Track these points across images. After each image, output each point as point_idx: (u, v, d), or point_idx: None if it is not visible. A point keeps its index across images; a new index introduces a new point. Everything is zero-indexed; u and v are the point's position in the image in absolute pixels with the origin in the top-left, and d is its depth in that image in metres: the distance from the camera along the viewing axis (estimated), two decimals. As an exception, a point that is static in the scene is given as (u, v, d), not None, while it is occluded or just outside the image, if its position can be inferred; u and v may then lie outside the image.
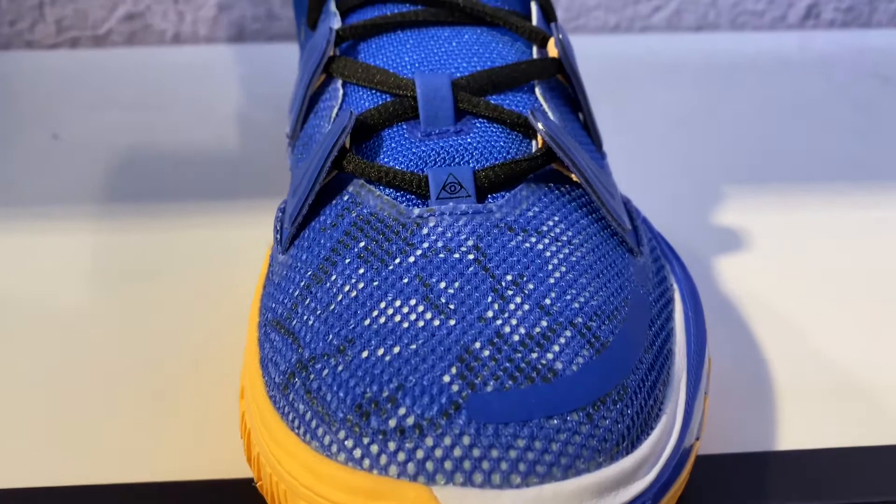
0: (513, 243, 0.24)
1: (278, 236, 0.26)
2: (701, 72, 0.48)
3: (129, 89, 0.45)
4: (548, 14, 0.30)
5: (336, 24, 0.29)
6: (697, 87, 0.46)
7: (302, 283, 0.24)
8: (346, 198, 0.25)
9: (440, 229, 0.24)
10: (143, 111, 0.43)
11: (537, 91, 0.27)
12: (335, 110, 0.27)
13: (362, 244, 0.24)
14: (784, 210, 0.38)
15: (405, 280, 0.23)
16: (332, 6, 0.30)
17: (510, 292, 0.22)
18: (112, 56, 0.48)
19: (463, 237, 0.24)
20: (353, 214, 0.25)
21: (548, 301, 0.22)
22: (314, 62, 0.28)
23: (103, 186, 0.38)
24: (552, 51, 0.28)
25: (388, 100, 0.26)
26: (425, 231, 0.24)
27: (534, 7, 0.30)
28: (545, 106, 0.27)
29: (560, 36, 0.28)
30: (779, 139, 0.43)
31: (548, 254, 0.24)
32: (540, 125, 0.25)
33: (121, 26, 0.49)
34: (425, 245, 0.23)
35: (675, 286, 0.27)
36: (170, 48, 0.49)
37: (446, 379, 0.21)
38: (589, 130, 0.29)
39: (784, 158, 0.41)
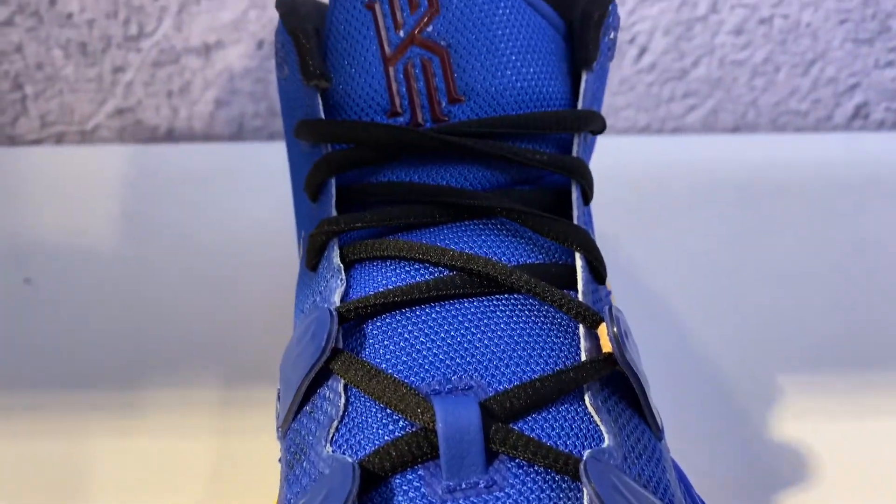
0: None
1: None
2: (738, 177, 0.44)
3: (117, 194, 0.42)
4: (597, 273, 0.25)
5: (337, 294, 0.24)
6: (733, 195, 0.43)
7: None
8: None
9: None
10: (131, 223, 0.40)
11: (587, 400, 0.22)
12: (335, 424, 0.22)
13: None
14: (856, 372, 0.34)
15: None
16: (336, 258, 0.25)
17: None
18: (100, 153, 0.45)
19: None
20: None
21: None
22: (313, 353, 0.23)
23: (84, 348, 0.33)
24: (604, 340, 0.23)
25: (402, 432, 0.22)
26: None
27: (579, 263, 0.25)
28: (597, 419, 0.22)
29: (615, 329, 0.23)
30: (823, 265, 0.39)
31: None
32: (593, 486, 0.20)
33: (110, 121, 0.47)
34: None
35: None
36: (163, 146, 0.46)
37: None
38: (647, 418, 0.24)
39: (833, 292, 0.38)
